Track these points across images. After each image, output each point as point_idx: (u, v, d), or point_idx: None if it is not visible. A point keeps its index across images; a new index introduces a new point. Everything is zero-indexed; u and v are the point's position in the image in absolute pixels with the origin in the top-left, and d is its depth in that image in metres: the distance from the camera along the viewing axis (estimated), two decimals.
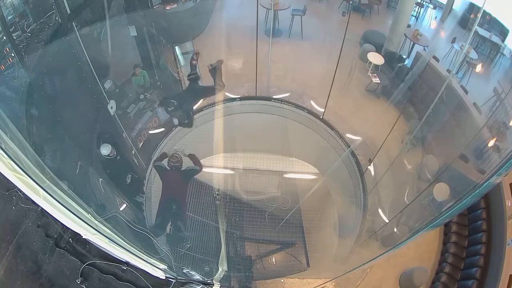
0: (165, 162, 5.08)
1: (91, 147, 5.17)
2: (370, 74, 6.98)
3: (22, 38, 4.65)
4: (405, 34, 7.00)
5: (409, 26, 7.07)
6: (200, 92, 5.87)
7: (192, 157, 5.13)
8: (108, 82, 5.68)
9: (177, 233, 5.35)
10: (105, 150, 5.15)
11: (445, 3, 6.90)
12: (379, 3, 8.06)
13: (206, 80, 6.20)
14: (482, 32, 5.87)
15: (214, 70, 5.59)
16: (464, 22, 6.29)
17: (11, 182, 2.48)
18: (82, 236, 3.19)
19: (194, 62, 5.62)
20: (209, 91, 5.86)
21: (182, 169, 5.01)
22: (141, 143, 6.39)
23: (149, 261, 3.98)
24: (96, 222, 3.20)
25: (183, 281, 4.59)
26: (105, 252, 4.51)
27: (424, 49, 6.95)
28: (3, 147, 2.43)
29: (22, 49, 4.51)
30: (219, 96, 6.80)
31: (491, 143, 4.96)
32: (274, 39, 7.20)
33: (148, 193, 6.16)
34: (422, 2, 7.43)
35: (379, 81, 6.91)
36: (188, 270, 5.23)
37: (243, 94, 7.04)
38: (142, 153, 6.32)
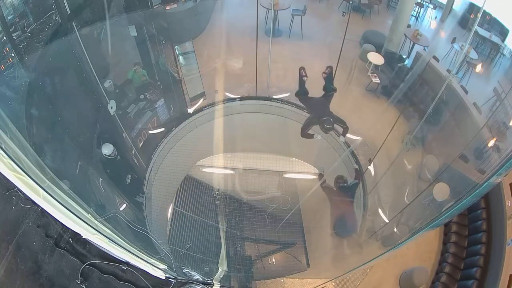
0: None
1: (91, 147, 5.17)
2: (370, 74, 6.98)
3: (22, 38, 4.65)
4: (405, 34, 7.00)
5: (409, 26, 7.07)
6: (325, 101, 5.70)
7: (356, 171, 5.78)
8: (107, 82, 5.68)
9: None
10: (107, 150, 5.15)
11: (445, 3, 6.90)
12: (379, 3, 8.06)
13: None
14: (482, 32, 5.87)
15: (328, 76, 5.55)
16: (464, 22, 6.29)
17: (11, 182, 2.48)
18: (82, 236, 3.19)
19: (305, 78, 5.52)
20: (329, 98, 5.72)
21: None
22: (141, 143, 6.39)
23: (149, 261, 3.98)
24: (96, 222, 3.20)
25: (183, 281, 4.59)
26: (105, 252, 4.51)
27: (424, 49, 6.95)
28: (3, 147, 2.43)
29: (22, 49, 4.51)
30: (219, 96, 6.81)
31: (491, 143, 4.96)
32: (274, 39, 7.20)
33: (148, 193, 6.16)
34: (422, 2, 7.43)
35: (379, 81, 6.91)
36: (188, 270, 5.23)
37: (243, 94, 7.04)
38: (142, 153, 6.32)
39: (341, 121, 5.43)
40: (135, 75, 6.35)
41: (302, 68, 5.44)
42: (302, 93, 5.56)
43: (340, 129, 5.78)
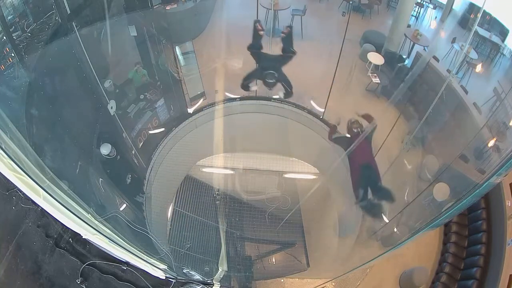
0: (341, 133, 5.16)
1: (91, 147, 5.17)
2: (370, 74, 6.98)
3: (22, 38, 4.65)
4: (405, 34, 7.00)
5: (409, 26, 7.06)
6: (277, 59, 5.49)
7: (366, 116, 5.19)
8: (107, 82, 5.67)
9: (380, 196, 5.31)
10: (105, 149, 5.15)
11: (445, 3, 6.89)
12: (379, 3, 8.05)
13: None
14: (482, 32, 5.86)
15: (287, 37, 5.34)
16: (464, 22, 6.28)
17: (11, 182, 2.48)
18: (82, 236, 3.19)
19: (262, 32, 5.24)
20: (283, 58, 5.50)
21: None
22: (141, 143, 6.39)
23: (149, 261, 3.98)
24: (96, 222, 3.20)
25: (183, 281, 4.59)
26: (105, 252, 4.51)
27: (424, 49, 6.94)
28: (3, 147, 2.43)
29: (22, 49, 4.51)
30: (219, 96, 6.80)
31: (491, 143, 4.96)
32: (274, 39, 7.19)
33: (148, 193, 6.16)
34: (422, 2, 7.42)
35: (379, 81, 6.90)
36: (188, 270, 5.24)
37: (243, 94, 7.04)
38: (142, 153, 6.32)
39: (288, 83, 5.16)
40: (136, 75, 6.35)
41: (257, 22, 5.24)
42: (255, 47, 5.29)
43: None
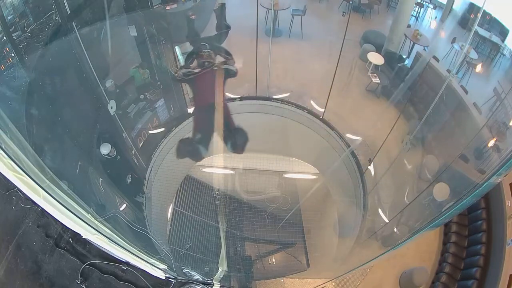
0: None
1: (91, 147, 5.17)
2: (370, 74, 6.98)
3: (22, 38, 4.65)
4: (405, 34, 7.00)
5: (409, 26, 7.07)
6: (211, 38, 5.33)
7: (222, 62, 4.56)
8: (109, 81, 5.67)
9: (239, 139, 4.88)
10: (105, 149, 5.16)
11: (445, 3, 6.89)
12: (379, 3, 8.06)
13: None
14: (482, 32, 5.86)
15: (217, 12, 5.16)
16: (464, 22, 6.28)
17: (11, 182, 2.48)
18: (82, 236, 3.19)
19: (193, 16, 5.20)
20: (218, 36, 5.33)
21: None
22: (141, 143, 6.39)
23: (149, 261, 3.98)
24: (96, 222, 3.20)
25: (183, 281, 4.59)
26: (105, 252, 4.51)
27: (424, 49, 6.95)
28: (3, 147, 2.43)
29: (22, 49, 4.51)
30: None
31: (491, 143, 4.96)
32: (274, 39, 7.19)
33: (148, 193, 6.16)
34: (422, 2, 7.42)
35: (379, 81, 6.91)
36: (188, 270, 5.24)
37: (243, 94, 7.04)
38: (142, 153, 6.32)
39: (228, 54, 4.74)
40: (137, 73, 6.35)
41: (189, 10, 5.14)
42: (191, 34, 5.22)
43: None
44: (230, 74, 4.62)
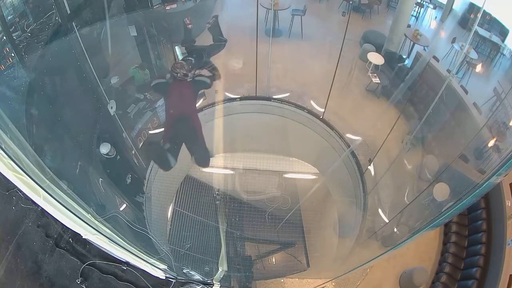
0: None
1: (91, 147, 5.17)
2: (370, 74, 6.98)
3: (22, 38, 4.65)
4: (405, 34, 7.00)
5: (409, 26, 7.07)
6: (205, 49, 5.29)
7: (199, 74, 4.52)
8: (115, 78, 5.70)
9: (200, 156, 4.87)
10: (104, 149, 5.15)
11: (445, 3, 6.89)
12: (379, 3, 8.06)
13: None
14: (482, 32, 5.86)
15: (211, 27, 5.15)
16: (464, 22, 6.29)
17: (11, 182, 2.48)
18: (82, 236, 3.19)
19: (190, 26, 5.06)
20: (212, 47, 5.33)
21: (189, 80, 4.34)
22: (141, 143, 6.39)
23: (149, 261, 3.98)
24: (96, 222, 3.20)
25: (183, 281, 4.59)
26: (105, 252, 4.51)
27: (424, 49, 6.95)
28: (3, 147, 2.43)
29: (22, 49, 4.52)
30: (219, 96, 6.79)
31: (491, 143, 4.96)
32: (274, 39, 7.19)
33: (148, 193, 6.16)
34: (422, 2, 7.42)
35: (379, 81, 6.90)
36: (188, 270, 5.23)
37: (243, 94, 7.04)
38: (142, 153, 6.32)
39: (213, 68, 4.76)
40: (137, 73, 6.35)
41: (186, 18, 5.02)
42: (186, 41, 5.11)
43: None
44: (202, 86, 4.57)
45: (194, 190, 7.38)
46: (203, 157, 4.97)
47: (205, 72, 4.70)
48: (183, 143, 4.76)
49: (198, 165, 5.15)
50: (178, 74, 4.17)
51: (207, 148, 4.94)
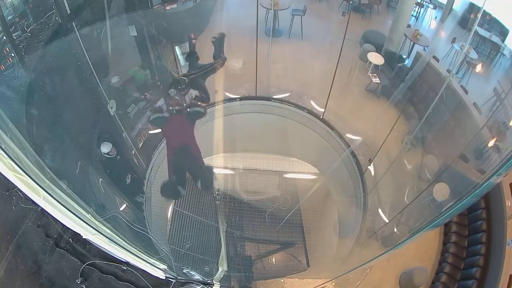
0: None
1: (91, 147, 5.17)
2: (370, 74, 6.98)
3: (22, 38, 4.65)
4: (405, 34, 7.00)
5: (409, 26, 7.07)
6: (205, 68, 5.44)
7: (192, 104, 4.77)
8: (115, 78, 5.73)
9: (204, 180, 5.12)
10: (105, 148, 5.16)
11: (445, 3, 6.89)
12: (379, 3, 8.06)
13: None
14: (482, 32, 5.87)
15: (216, 42, 5.32)
16: (464, 22, 6.29)
17: (11, 182, 2.48)
18: (82, 236, 3.19)
19: (194, 41, 5.27)
20: (212, 66, 5.46)
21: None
22: (141, 143, 6.39)
23: (149, 261, 3.98)
24: (96, 222, 3.20)
25: (183, 281, 4.59)
26: (105, 252, 4.51)
27: (424, 49, 6.95)
28: (3, 147, 2.43)
29: (22, 49, 4.52)
30: (219, 96, 6.79)
31: (491, 143, 4.96)
32: (274, 39, 7.19)
33: (148, 193, 6.16)
34: (422, 2, 7.43)
35: (379, 81, 6.91)
36: (188, 270, 5.24)
37: (243, 94, 7.04)
38: (142, 153, 6.32)
39: (205, 92, 4.97)
40: (137, 74, 6.36)
41: (191, 33, 5.26)
42: (191, 55, 5.30)
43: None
44: (198, 116, 4.76)
45: (194, 190, 7.37)
46: (206, 181, 5.23)
47: (197, 97, 4.90)
48: (187, 171, 5.01)
49: (204, 189, 5.49)
50: (174, 110, 4.41)
51: (210, 169, 5.24)
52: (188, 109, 4.57)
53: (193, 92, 5.01)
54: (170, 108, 4.43)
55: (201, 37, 7.62)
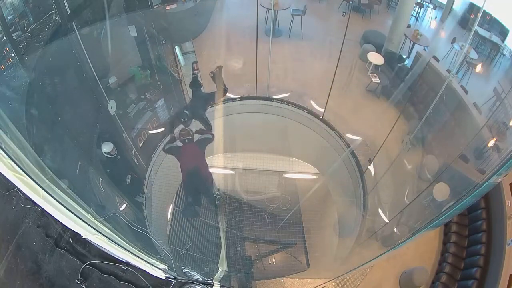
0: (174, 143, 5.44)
1: (91, 147, 5.17)
2: (370, 74, 6.98)
3: (22, 38, 4.64)
4: (405, 34, 7.00)
5: (409, 26, 7.07)
6: (207, 98, 6.20)
7: (200, 131, 5.56)
8: (113, 78, 5.78)
9: (210, 198, 5.91)
10: (106, 148, 5.15)
11: (445, 3, 6.90)
12: (379, 3, 8.06)
13: (208, 87, 6.33)
14: (482, 32, 5.87)
15: (215, 77, 5.85)
16: (464, 22, 6.29)
17: (11, 182, 2.48)
18: (82, 236, 3.19)
19: (196, 71, 5.86)
20: (214, 96, 6.18)
21: (194, 140, 5.36)
22: (141, 143, 6.39)
23: (149, 261, 3.98)
24: (96, 222, 3.20)
25: (183, 281, 4.59)
26: (105, 252, 4.51)
27: (424, 49, 6.95)
28: (3, 147, 2.43)
29: (22, 49, 4.51)
30: (219, 96, 6.80)
31: (491, 143, 4.96)
32: (274, 39, 7.20)
33: (148, 193, 6.16)
34: (422, 2, 7.43)
35: (379, 81, 6.91)
36: (188, 270, 5.24)
37: (243, 94, 7.04)
38: (142, 153, 6.32)
39: (206, 123, 5.74)
40: (137, 73, 6.36)
41: (194, 63, 5.92)
42: (194, 85, 5.98)
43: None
44: (208, 142, 5.53)
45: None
46: (212, 199, 6.04)
47: (198, 131, 5.61)
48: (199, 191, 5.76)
49: (209, 203, 6.19)
50: (186, 140, 5.23)
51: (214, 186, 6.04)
52: (199, 136, 5.38)
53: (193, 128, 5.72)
54: (182, 138, 5.23)
55: (201, 37, 7.64)
